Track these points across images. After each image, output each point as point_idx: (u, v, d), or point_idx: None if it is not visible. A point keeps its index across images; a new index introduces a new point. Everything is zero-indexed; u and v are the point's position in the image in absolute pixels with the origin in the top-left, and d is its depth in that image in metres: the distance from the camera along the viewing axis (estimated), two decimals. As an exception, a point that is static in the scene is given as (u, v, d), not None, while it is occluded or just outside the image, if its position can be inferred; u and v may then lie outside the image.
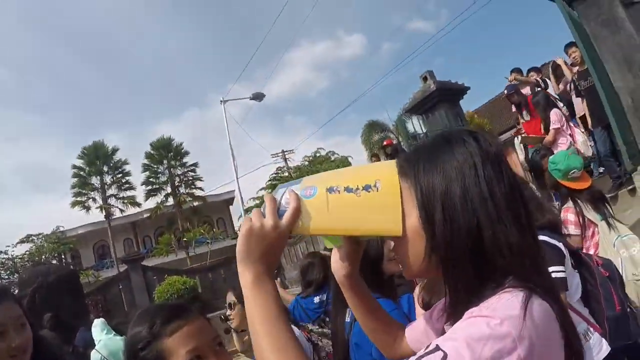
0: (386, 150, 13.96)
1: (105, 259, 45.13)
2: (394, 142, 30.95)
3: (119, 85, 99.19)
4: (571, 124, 8.32)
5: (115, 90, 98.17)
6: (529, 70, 10.02)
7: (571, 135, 8.01)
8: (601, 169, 9.06)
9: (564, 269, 2.61)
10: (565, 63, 9.19)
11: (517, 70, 9.97)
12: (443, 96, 10.60)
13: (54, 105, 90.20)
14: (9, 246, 37.74)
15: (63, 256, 41.62)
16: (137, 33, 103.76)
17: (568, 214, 4.04)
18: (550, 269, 2.43)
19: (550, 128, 7.88)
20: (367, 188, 1.12)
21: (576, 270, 2.83)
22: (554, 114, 8.01)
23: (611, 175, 8.05)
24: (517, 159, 8.80)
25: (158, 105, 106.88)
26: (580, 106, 8.82)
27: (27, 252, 36.78)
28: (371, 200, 1.12)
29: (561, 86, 9.53)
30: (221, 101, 33.25)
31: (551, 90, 9.41)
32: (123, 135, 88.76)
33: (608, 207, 4.09)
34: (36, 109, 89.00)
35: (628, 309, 2.95)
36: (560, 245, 2.70)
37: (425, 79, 10.69)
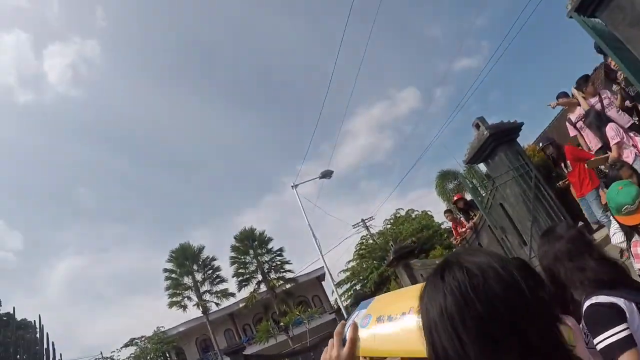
0: (458, 205, 13.78)
1: (209, 351, 45.62)
2: (465, 193, 30.93)
3: (195, 185, 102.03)
4: (631, 134, 8.01)
5: (193, 193, 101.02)
6: (557, 97, 9.63)
7: (634, 146, 7.72)
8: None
9: (626, 327, 2.39)
10: (584, 90, 8.83)
11: (564, 95, 9.57)
12: (498, 139, 10.37)
13: (136, 214, 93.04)
14: (114, 351, 38.85)
15: (167, 355, 42.47)
16: (201, 133, 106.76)
17: (637, 248, 3.73)
18: (608, 332, 2.35)
19: (611, 144, 7.61)
20: (403, 315, 1.32)
21: None
22: (610, 129, 7.80)
23: None
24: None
25: (235, 199, 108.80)
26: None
27: (132, 355, 37.62)
28: (405, 326, 1.30)
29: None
30: (292, 186, 33.74)
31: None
32: (207, 231, 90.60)
33: None
34: (119, 220, 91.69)
35: None
36: (620, 300, 2.49)
37: (477, 126, 10.55)
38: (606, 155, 7.87)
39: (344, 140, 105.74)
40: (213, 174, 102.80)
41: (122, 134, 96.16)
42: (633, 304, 2.51)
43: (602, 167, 8.64)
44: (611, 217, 5.00)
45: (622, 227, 3.88)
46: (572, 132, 9.51)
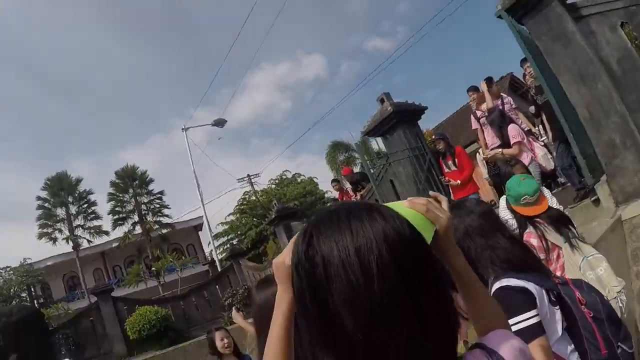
0: (346, 179, 13.74)
1: (76, 290, 44.09)
2: (354, 167, 31.20)
3: (82, 114, 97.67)
4: (530, 139, 8.24)
5: (77, 119, 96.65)
6: (468, 90, 9.71)
7: (532, 150, 7.91)
8: (562, 179, 9.02)
9: (535, 313, 2.27)
10: (489, 90, 9.01)
11: (474, 89, 9.56)
12: (401, 117, 10.40)
13: (15, 134, 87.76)
14: (-26, 280, 36.65)
15: (32, 289, 40.53)
16: (97, 58, 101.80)
17: (531, 239, 3.78)
18: (519, 318, 2.22)
19: (512, 142, 7.76)
20: None
21: (557, 307, 2.50)
22: (513, 129, 7.99)
23: (573, 186, 7.99)
24: (481, 173, 8.70)
25: (122, 133, 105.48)
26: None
27: (-6, 286, 35.71)
28: None
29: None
30: (182, 129, 32.78)
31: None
32: (88, 164, 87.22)
33: (570, 227, 3.85)
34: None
35: (619, 350, 2.60)
36: (530, 285, 2.36)
37: (382, 101, 10.50)
38: (509, 155, 7.94)
39: (243, 93, 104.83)
40: (104, 103, 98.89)
41: (16, 54, 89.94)
42: (543, 290, 2.40)
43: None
44: (501, 207, 5.19)
45: (517, 218, 3.93)
46: (475, 125, 9.58)
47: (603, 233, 5.92)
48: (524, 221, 3.90)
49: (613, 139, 7.11)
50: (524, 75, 9.14)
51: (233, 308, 5.82)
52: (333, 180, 15.70)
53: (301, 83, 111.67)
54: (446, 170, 9.38)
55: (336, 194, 14.56)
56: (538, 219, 3.84)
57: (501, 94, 9.13)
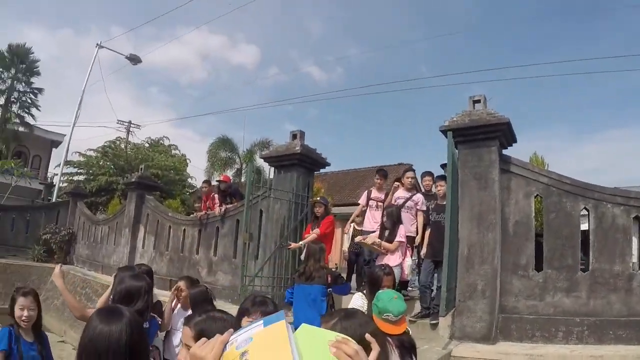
0: (220, 186, 13.20)
1: None
2: (230, 171, 30.61)
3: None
4: (409, 245, 8.31)
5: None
6: (423, 175, 9.63)
7: (403, 254, 7.91)
8: (411, 290, 9.35)
9: None
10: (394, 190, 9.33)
11: (428, 174, 9.46)
12: (303, 162, 10.23)
13: None
14: None
15: None
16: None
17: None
18: None
19: (396, 240, 7.71)
20: None
21: None
22: (402, 229, 7.92)
23: (422, 304, 8.14)
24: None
25: (40, 6, 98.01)
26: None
27: None
28: None
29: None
30: (97, 45, 30.91)
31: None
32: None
33: (413, 358, 3.81)
34: None
35: None
36: None
37: (295, 136, 10.23)
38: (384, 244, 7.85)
39: (169, 38, 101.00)
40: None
41: None
42: None
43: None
44: (354, 301, 5.26)
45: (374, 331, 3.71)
46: (363, 202, 9.48)
47: None
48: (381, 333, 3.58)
49: (476, 283, 7.37)
50: (431, 185, 9.11)
51: (58, 265, 5.18)
52: (205, 181, 15.11)
53: (224, 63, 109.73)
54: (311, 229, 9.13)
55: (198, 185, 13.84)
56: (389, 338, 3.70)
57: (413, 192, 9.11)
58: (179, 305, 5.60)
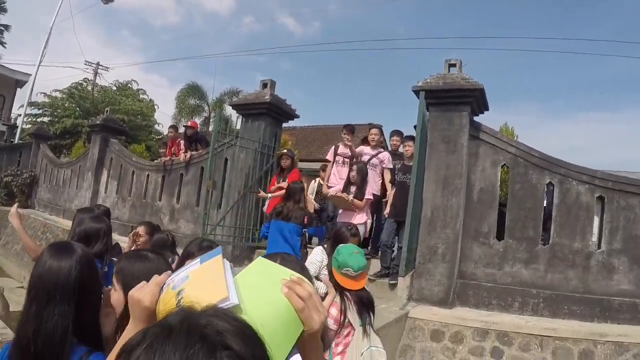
0: (187, 132, 12.90)
1: None
2: (198, 119, 30.23)
3: None
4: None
5: None
6: (392, 134, 9.66)
7: (367, 212, 7.81)
8: (370, 249, 9.22)
9: None
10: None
11: (396, 133, 9.51)
12: (272, 112, 10.02)
13: None
14: None
15: None
16: None
17: (332, 309, 3.71)
18: None
19: (365, 198, 7.61)
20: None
21: None
22: (369, 187, 7.91)
23: (382, 263, 8.07)
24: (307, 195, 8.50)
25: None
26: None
27: None
28: None
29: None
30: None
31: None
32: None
33: (371, 315, 3.89)
34: None
35: None
36: None
37: (265, 85, 10.01)
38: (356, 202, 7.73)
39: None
40: None
41: None
42: None
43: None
44: (314, 255, 5.33)
45: (332, 280, 3.86)
46: (330, 158, 9.32)
47: (390, 321, 6.16)
48: (336, 289, 3.78)
49: (437, 247, 7.38)
50: (399, 145, 9.03)
51: (14, 205, 4.96)
52: (171, 126, 14.81)
53: (199, 8, 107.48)
54: (275, 185, 9.02)
55: (165, 131, 13.47)
56: (347, 293, 3.77)
57: (380, 149, 9.03)
58: None
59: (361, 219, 7.47)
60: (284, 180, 8.66)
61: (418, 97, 7.23)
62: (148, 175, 13.52)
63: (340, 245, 4.08)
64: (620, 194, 7.00)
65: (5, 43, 35.08)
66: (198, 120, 29.74)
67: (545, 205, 7.52)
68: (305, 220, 6.65)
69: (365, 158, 8.74)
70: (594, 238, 7.08)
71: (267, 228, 6.92)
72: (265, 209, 9.15)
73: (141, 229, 5.35)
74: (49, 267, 1.99)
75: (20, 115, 29.66)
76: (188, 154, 11.97)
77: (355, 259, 3.74)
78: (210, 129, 23.46)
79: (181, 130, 13.89)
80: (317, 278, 5.06)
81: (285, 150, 9.03)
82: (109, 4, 28.66)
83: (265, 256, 1.62)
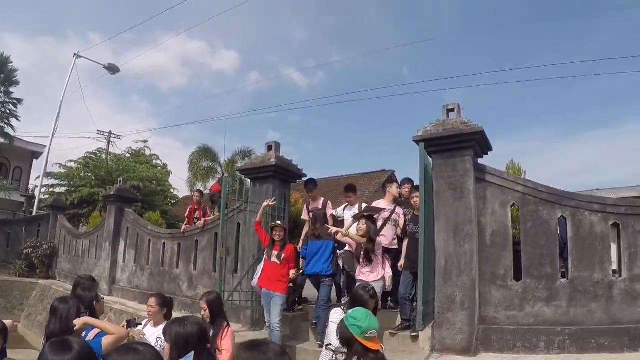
0: (213, 198, 13.09)
1: None
2: (212, 180, 30.42)
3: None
4: (386, 255, 8.12)
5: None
6: (403, 182, 9.67)
7: (383, 268, 7.75)
8: (392, 304, 9.15)
9: None
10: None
11: (408, 181, 9.52)
12: (279, 174, 10.09)
13: None
14: None
15: None
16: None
17: None
18: None
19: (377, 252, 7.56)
20: None
21: None
22: (379, 242, 7.82)
23: (402, 316, 8.00)
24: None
25: (19, 14, 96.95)
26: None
27: None
28: None
29: None
30: (74, 55, 30.62)
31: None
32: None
33: None
34: None
35: None
36: None
37: (270, 147, 10.10)
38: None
39: (147, 44, 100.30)
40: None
41: None
42: None
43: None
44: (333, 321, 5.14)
45: (355, 347, 3.76)
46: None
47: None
48: (357, 353, 3.72)
49: (455, 295, 7.27)
50: (408, 195, 9.01)
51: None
52: (198, 190, 15.11)
53: (204, 68, 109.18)
54: (270, 259, 8.28)
55: (180, 196, 13.62)
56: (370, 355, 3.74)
57: (396, 204, 9.15)
58: (149, 322, 5.74)
59: (376, 276, 7.39)
60: (278, 252, 8.20)
61: (419, 147, 7.25)
62: (164, 243, 13.59)
63: (351, 312, 4.03)
64: (635, 218, 6.87)
65: (19, 116, 35.62)
66: (212, 182, 30.07)
67: (559, 233, 7.39)
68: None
69: (385, 214, 8.82)
70: (614, 266, 6.95)
71: (306, 249, 8.76)
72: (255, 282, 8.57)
73: (152, 301, 5.70)
74: None
75: (37, 186, 30.13)
76: (202, 221, 12.07)
77: (374, 320, 3.80)
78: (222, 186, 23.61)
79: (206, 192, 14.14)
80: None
81: (278, 222, 8.65)
82: (116, 74, 29.33)
83: None
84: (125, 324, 5.55)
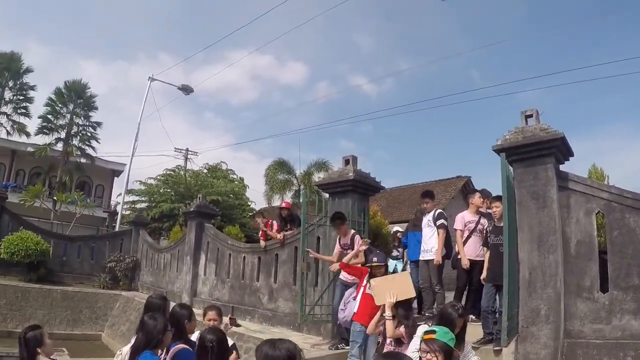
0: (282, 213, 13.26)
1: (-28, 177, 41.27)
2: (289, 193, 30.76)
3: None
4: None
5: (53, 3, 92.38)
6: (484, 195, 9.55)
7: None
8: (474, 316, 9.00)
9: None
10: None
11: (488, 193, 9.50)
12: (357, 188, 10.17)
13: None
14: None
15: None
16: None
17: None
18: None
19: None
20: None
21: None
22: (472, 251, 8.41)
23: (484, 329, 7.93)
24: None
25: (97, 41, 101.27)
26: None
27: None
28: None
29: None
30: (149, 78, 31.70)
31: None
32: (48, 53, 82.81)
33: None
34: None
35: None
36: None
37: (347, 162, 10.23)
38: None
39: (218, 62, 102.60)
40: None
41: None
42: None
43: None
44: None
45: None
46: (460, 227, 9.15)
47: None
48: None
49: (539, 308, 7.08)
50: (488, 207, 8.94)
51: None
52: (260, 213, 15.40)
53: (274, 83, 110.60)
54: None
55: (257, 208, 13.92)
56: None
57: (481, 213, 9.17)
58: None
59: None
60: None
61: (500, 156, 7.20)
62: (244, 257, 13.93)
63: (444, 328, 4.01)
64: None
65: (99, 138, 37.39)
66: (289, 194, 30.79)
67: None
68: None
69: (471, 226, 8.91)
70: None
71: (407, 238, 10.27)
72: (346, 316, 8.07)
73: (212, 314, 5.95)
74: None
75: (119, 202, 31.34)
76: (281, 235, 12.28)
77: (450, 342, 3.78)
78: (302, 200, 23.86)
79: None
80: None
81: (375, 262, 7.18)
82: (187, 94, 30.30)
83: None
84: (228, 321, 6.12)
